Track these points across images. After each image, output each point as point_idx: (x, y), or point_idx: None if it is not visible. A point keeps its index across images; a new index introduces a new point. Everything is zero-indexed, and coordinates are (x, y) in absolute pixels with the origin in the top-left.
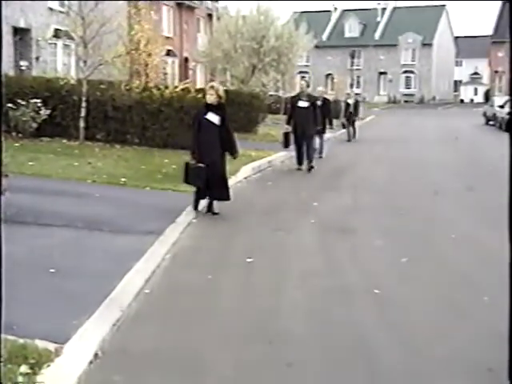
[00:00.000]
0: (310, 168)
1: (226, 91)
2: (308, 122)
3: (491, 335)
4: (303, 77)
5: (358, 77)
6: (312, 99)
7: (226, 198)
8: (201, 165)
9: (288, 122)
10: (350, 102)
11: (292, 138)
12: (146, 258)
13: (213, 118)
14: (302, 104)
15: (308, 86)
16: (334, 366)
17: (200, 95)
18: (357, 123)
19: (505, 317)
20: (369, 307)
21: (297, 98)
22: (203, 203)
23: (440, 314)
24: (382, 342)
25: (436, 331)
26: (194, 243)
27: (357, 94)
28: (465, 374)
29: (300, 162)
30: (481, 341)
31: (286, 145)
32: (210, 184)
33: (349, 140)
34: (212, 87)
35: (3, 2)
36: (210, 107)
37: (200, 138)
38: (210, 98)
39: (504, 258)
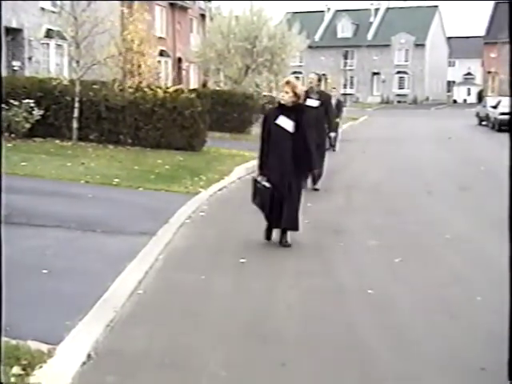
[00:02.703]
0: (315, 189)
1: (220, 92)
2: (319, 125)
3: (484, 335)
4: (297, 77)
5: (352, 77)
6: (324, 97)
7: (294, 227)
8: (266, 184)
9: None
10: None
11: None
12: (140, 258)
13: (285, 123)
14: (312, 103)
15: (320, 80)
16: (327, 366)
17: (193, 95)
18: (340, 129)
19: (497, 316)
20: (362, 307)
21: (305, 95)
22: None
23: (433, 314)
24: (374, 342)
25: (429, 331)
26: (188, 244)
27: (346, 94)
28: (457, 373)
29: (315, 181)
30: (473, 340)
31: None
32: (275, 209)
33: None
34: (288, 83)
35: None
36: (283, 109)
37: (268, 148)
38: (285, 98)
39: (497, 259)
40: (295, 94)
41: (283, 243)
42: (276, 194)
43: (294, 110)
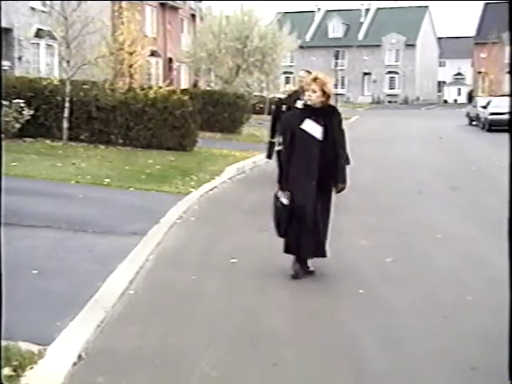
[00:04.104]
0: None
1: (210, 92)
2: None
3: (475, 334)
4: (287, 77)
5: (343, 77)
6: None
7: (321, 253)
8: (284, 201)
9: (273, 132)
10: None
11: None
12: (130, 258)
13: (313, 128)
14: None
15: None
16: (319, 366)
17: (186, 97)
18: None
19: (488, 316)
20: (353, 307)
21: (294, 97)
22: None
23: (424, 314)
24: (366, 342)
25: (420, 330)
26: (178, 244)
27: (337, 94)
28: (448, 372)
29: None
30: (464, 340)
31: (270, 155)
32: (297, 231)
33: None
34: (316, 80)
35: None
36: (309, 111)
37: (293, 159)
38: (312, 97)
39: (489, 258)
40: (324, 93)
41: (304, 268)
42: (297, 213)
43: (323, 113)
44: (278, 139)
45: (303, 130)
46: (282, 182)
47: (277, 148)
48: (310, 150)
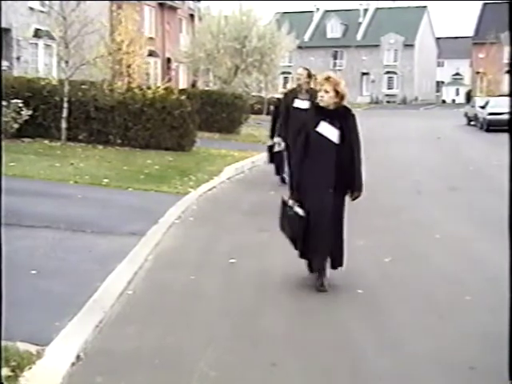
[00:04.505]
0: None
1: (209, 92)
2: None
3: (473, 334)
4: (286, 77)
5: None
6: (316, 97)
7: (338, 262)
8: (299, 212)
9: (273, 133)
10: None
11: (284, 157)
12: (129, 259)
13: (329, 131)
14: (301, 104)
15: (310, 76)
16: (317, 366)
17: (183, 97)
18: None
19: (486, 316)
20: (351, 307)
21: (292, 95)
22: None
23: (422, 314)
24: (364, 341)
25: (419, 330)
26: (177, 244)
27: None
28: (446, 372)
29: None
30: (462, 340)
31: (272, 159)
32: (312, 240)
33: None
34: (328, 79)
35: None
36: (323, 113)
37: (307, 164)
38: (324, 98)
39: (487, 258)
40: (337, 94)
41: (318, 287)
42: (313, 222)
43: (338, 115)
44: (278, 140)
45: (318, 133)
46: (295, 190)
47: (276, 149)
48: (326, 154)
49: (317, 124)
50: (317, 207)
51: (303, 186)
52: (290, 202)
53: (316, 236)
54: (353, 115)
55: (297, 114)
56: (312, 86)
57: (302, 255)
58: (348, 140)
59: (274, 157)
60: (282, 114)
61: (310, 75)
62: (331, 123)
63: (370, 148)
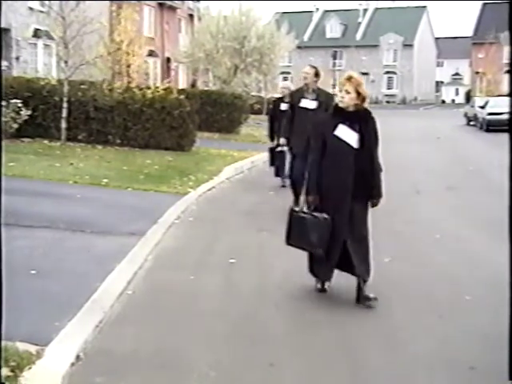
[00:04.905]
0: None
1: (208, 92)
2: None
3: (473, 334)
4: (285, 77)
5: (340, 77)
6: (323, 97)
7: (365, 274)
8: (324, 215)
9: (272, 134)
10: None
11: (286, 159)
12: (129, 259)
13: (347, 135)
14: (308, 104)
15: (317, 74)
16: (316, 366)
17: (182, 96)
18: None
19: (486, 315)
20: (351, 307)
21: (298, 94)
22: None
23: (422, 314)
24: (363, 342)
25: (418, 330)
26: (177, 244)
27: (335, 94)
28: (446, 372)
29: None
30: (462, 340)
31: (273, 162)
32: (333, 249)
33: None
34: (350, 79)
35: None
36: (342, 115)
37: (324, 169)
38: (344, 99)
39: (486, 258)
40: (359, 95)
41: (363, 300)
42: (333, 228)
43: (358, 117)
44: (283, 141)
45: (337, 137)
46: (312, 196)
47: (279, 149)
48: (345, 159)
49: (335, 127)
50: (333, 213)
51: (320, 191)
52: (305, 208)
53: (337, 244)
54: (373, 118)
55: (303, 114)
56: (319, 85)
57: (319, 270)
58: (368, 144)
59: (276, 157)
60: (288, 114)
61: (317, 74)
62: (350, 126)
63: None
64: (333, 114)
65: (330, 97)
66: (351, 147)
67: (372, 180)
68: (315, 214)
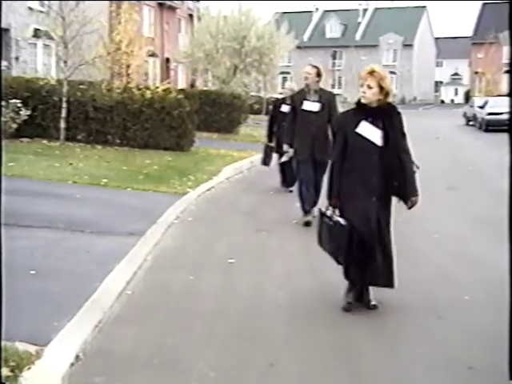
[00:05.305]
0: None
1: (208, 92)
2: (321, 137)
3: (471, 334)
4: (285, 77)
5: (340, 77)
6: (326, 98)
7: (389, 283)
8: (341, 221)
9: (270, 136)
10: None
11: (290, 165)
12: (128, 259)
13: (370, 132)
14: (310, 107)
15: (319, 74)
16: (316, 367)
17: (181, 96)
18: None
19: (485, 315)
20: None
21: (300, 96)
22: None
23: (420, 314)
24: (363, 342)
25: (417, 330)
26: (176, 244)
27: (335, 94)
28: (445, 372)
29: (307, 208)
30: (461, 340)
31: (266, 161)
32: (355, 254)
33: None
34: (372, 73)
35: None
36: (364, 111)
37: (346, 169)
38: (366, 94)
39: (485, 258)
40: (382, 89)
41: (365, 301)
42: (355, 233)
43: (381, 113)
44: (287, 149)
45: (359, 135)
46: (333, 198)
47: (284, 159)
48: (368, 158)
49: (357, 124)
50: (358, 218)
51: (342, 194)
52: (329, 212)
53: (359, 248)
54: (398, 113)
55: (306, 117)
56: (321, 85)
57: (347, 275)
58: (393, 141)
59: (283, 167)
60: (289, 118)
61: (319, 74)
62: (373, 123)
63: None
64: (354, 111)
65: (333, 97)
66: (375, 145)
67: (402, 178)
68: (335, 219)
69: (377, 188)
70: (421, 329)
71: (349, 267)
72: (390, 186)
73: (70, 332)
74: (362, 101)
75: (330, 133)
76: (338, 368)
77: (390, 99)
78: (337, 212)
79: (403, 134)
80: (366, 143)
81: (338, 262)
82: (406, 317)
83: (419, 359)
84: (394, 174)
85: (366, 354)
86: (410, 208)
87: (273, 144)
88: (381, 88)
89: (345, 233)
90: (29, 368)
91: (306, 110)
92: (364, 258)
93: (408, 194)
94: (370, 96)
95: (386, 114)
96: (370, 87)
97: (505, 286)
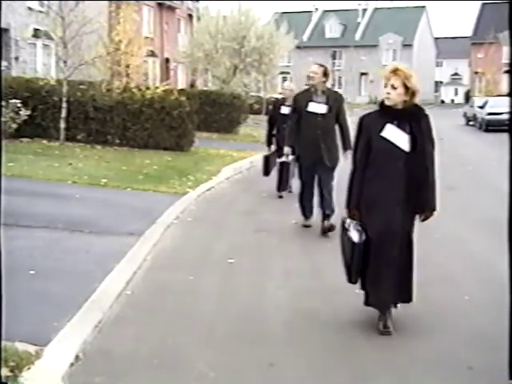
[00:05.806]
0: (330, 228)
1: (207, 92)
2: (328, 140)
3: (471, 334)
4: (284, 77)
5: (340, 77)
6: (333, 99)
7: (407, 298)
8: (353, 237)
9: (270, 139)
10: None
11: (293, 170)
12: (127, 259)
13: (396, 136)
14: (316, 108)
15: (326, 74)
16: (315, 366)
17: (183, 97)
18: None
19: (485, 316)
20: (350, 307)
21: (305, 97)
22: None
23: (421, 313)
24: (362, 342)
25: (417, 330)
26: (176, 244)
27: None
28: (444, 372)
29: (307, 215)
30: (461, 340)
31: (267, 171)
32: (372, 269)
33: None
34: (395, 72)
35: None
36: (389, 114)
37: (368, 177)
38: (391, 96)
39: (485, 258)
40: (407, 90)
41: (381, 329)
42: (375, 247)
43: (408, 116)
44: (287, 151)
45: (384, 139)
46: (352, 209)
47: (282, 159)
48: (394, 164)
49: (382, 128)
50: (381, 229)
51: (364, 204)
52: (347, 223)
53: (378, 264)
54: (426, 115)
55: (312, 119)
56: (328, 85)
57: (363, 287)
58: (420, 146)
59: (278, 169)
60: (292, 120)
61: (326, 73)
62: (399, 126)
63: None
64: (378, 113)
65: (341, 99)
66: (401, 150)
67: (426, 190)
68: (349, 234)
69: (401, 197)
70: (421, 329)
71: (367, 293)
72: (414, 196)
73: (69, 332)
74: (386, 102)
75: (337, 137)
76: (337, 368)
77: (417, 100)
78: (353, 225)
79: (432, 140)
80: (391, 148)
81: (349, 279)
82: (407, 317)
83: (419, 359)
84: (419, 182)
85: (365, 354)
86: (423, 221)
87: (271, 152)
88: (406, 88)
89: (358, 251)
90: (28, 368)
91: (312, 112)
92: (381, 273)
93: (426, 207)
94: (395, 97)
95: (413, 117)
96: (394, 87)
97: (505, 286)
